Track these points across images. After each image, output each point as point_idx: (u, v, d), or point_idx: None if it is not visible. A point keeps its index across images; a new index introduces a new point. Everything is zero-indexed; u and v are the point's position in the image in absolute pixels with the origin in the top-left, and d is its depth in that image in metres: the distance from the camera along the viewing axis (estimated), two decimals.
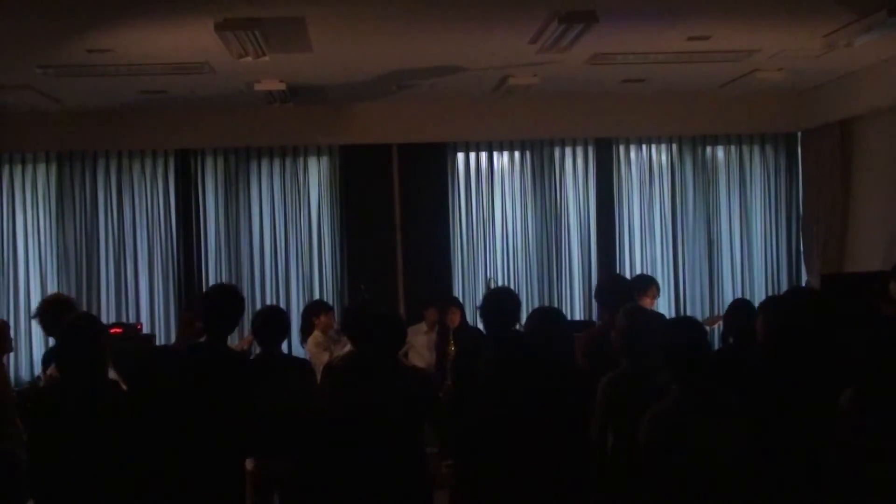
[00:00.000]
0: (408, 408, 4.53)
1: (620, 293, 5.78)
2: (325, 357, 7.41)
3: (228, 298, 4.74)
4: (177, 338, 5.40)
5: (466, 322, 8.48)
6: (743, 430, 3.86)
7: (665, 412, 3.86)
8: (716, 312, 9.80)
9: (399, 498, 4.47)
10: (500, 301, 4.96)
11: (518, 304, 5.03)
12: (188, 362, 4.55)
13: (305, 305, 8.66)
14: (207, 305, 4.74)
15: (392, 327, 4.79)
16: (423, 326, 8.62)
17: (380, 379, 4.58)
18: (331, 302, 10.00)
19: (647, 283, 7.39)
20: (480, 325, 5.22)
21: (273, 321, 5.40)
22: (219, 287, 5.33)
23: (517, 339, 4.85)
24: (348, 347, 7.35)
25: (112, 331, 8.08)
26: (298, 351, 8.47)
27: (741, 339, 5.02)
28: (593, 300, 10.09)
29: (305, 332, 7.92)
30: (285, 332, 5.53)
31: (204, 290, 9.62)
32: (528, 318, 4.86)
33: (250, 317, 6.06)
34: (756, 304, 5.16)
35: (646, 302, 7.07)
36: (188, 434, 4.32)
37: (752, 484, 3.85)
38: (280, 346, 5.56)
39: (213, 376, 4.45)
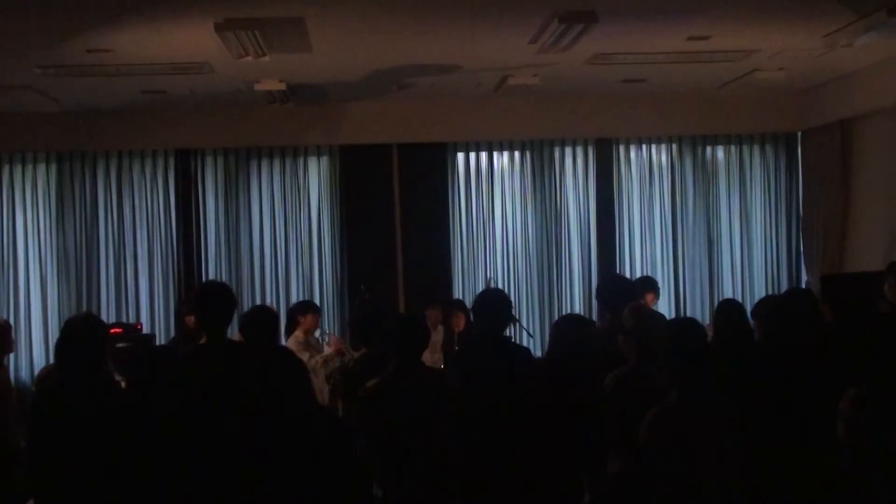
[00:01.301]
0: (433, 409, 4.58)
1: (624, 293, 5.76)
2: (305, 357, 7.42)
3: (221, 293, 4.73)
4: (175, 336, 5.39)
5: (472, 325, 8.47)
6: (743, 431, 3.85)
7: (665, 412, 3.85)
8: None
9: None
10: (488, 302, 5.01)
11: (508, 304, 5.08)
12: (191, 362, 4.54)
13: (293, 304, 8.65)
14: (202, 302, 4.74)
15: (417, 328, 4.84)
16: None
17: (407, 381, 4.63)
18: (331, 302, 10.04)
19: (648, 285, 7.43)
20: None
21: (261, 321, 5.30)
22: (210, 283, 5.31)
23: (504, 341, 4.92)
24: (329, 351, 7.34)
25: (112, 331, 8.09)
26: None
27: (735, 339, 5.02)
28: (594, 300, 10.13)
29: (289, 330, 7.89)
30: (274, 332, 5.41)
31: None
32: (558, 327, 4.89)
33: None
34: (753, 304, 5.18)
35: (646, 303, 7.08)
36: (189, 434, 4.31)
37: (752, 485, 3.84)
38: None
39: (215, 376, 4.45)
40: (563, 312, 9.76)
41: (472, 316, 5.71)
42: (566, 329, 4.85)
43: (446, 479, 4.75)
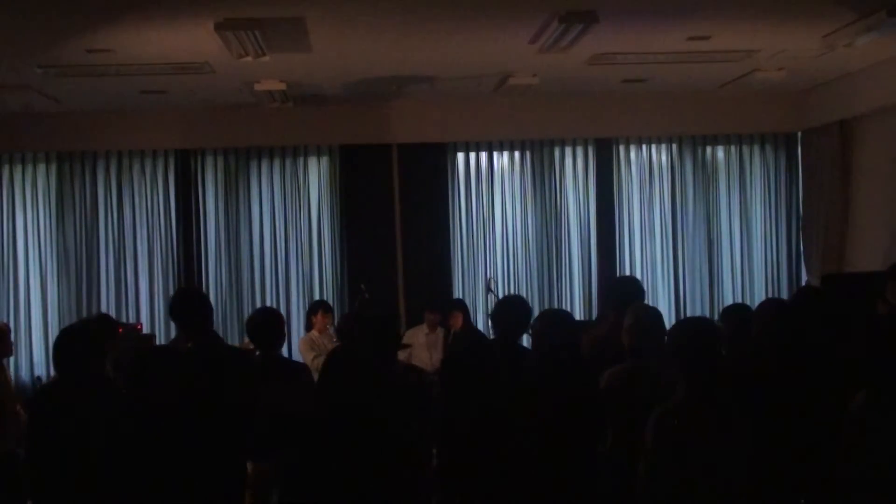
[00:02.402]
0: (401, 407, 4.54)
1: (632, 295, 5.74)
2: (310, 357, 7.48)
3: (185, 297, 4.79)
4: (175, 336, 5.41)
5: (470, 324, 8.48)
6: (746, 431, 3.84)
7: (670, 411, 3.84)
8: (716, 317, 9.81)
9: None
10: (510, 309, 4.99)
11: (528, 312, 5.03)
12: (188, 362, 4.54)
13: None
14: (173, 313, 4.88)
15: (383, 326, 4.80)
16: (423, 328, 8.63)
17: (370, 378, 4.60)
18: (331, 302, 10.03)
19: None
20: (482, 327, 5.26)
21: (267, 323, 5.29)
22: (179, 292, 5.51)
23: (518, 347, 4.91)
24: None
25: None
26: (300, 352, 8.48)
27: (738, 344, 5.01)
28: (594, 300, 10.14)
29: (307, 331, 8.02)
30: (281, 334, 5.38)
31: (204, 289, 9.66)
32: (537, 319, 4.87)
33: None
34: (754, 305, 5.17)
35: None
36: (188, 434, 4.30)
37: (755, 485, 3.83)
38: (278, 349, 5.49)
39: (212, 376, 4.45)
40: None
41: (489, 321, 5.67)
42: (545, 326, 4.81)
43: (424, 478, 4.73)
